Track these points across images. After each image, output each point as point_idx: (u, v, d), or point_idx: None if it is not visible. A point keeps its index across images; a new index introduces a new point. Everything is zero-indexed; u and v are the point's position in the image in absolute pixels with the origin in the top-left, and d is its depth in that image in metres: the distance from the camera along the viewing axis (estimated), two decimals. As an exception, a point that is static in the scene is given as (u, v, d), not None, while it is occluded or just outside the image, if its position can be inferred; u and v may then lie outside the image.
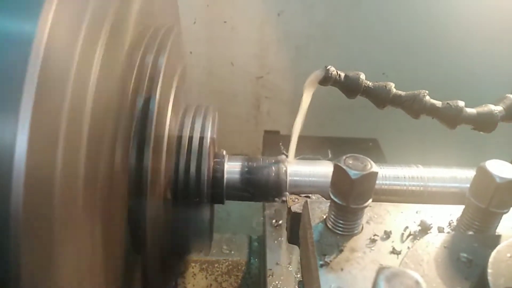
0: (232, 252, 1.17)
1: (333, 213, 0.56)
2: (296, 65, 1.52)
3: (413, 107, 0.73)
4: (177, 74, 0.79)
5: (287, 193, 0.77)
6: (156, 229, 0.68)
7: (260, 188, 0.79)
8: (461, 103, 0.73)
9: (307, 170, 0.79)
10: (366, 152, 0.90)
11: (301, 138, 0.81)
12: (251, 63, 1.52)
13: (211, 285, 1.13)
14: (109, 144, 0.55)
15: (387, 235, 0.57)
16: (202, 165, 0.75)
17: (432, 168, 0.79)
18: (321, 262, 0.52)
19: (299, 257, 0.68)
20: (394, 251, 0.54)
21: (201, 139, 0.77)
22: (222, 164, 0.80)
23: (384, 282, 0.35)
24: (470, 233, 0.57)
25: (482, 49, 1.45)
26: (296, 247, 0.70)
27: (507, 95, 0.76)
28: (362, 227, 0.58)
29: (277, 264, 0.98)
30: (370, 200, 0.55)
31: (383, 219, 0.60)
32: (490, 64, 1.47)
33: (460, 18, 1.40)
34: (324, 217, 0.59)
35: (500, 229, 0.57)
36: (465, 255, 0.51)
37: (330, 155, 1.20)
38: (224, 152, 0.83)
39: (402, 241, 0.56)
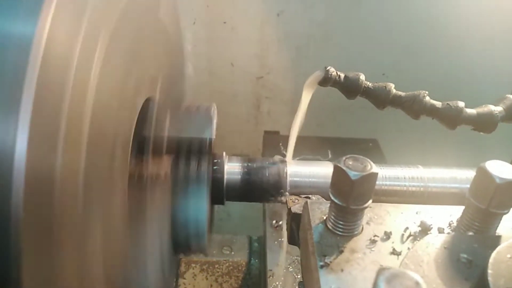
0: (233, 252, 1.17)
1: (333, 214, 0.56)
2: (296, 65, 1.52)
3: (413, 107, 0.73)
4: (177, 74, 0.79)
5: (287, 193, 0.77)
6: (156, 229, 0.68)
7: (260, 189, 0.79)
8: (461, 104, 0.73)
9: (307, 170, 0.79)
10: (366, 152, 0.91)
11: (301, 138, 0.81)
12: (251, 63, 1.52)
13: (211, 285, 1.13)
14: (109, 145, 0.55)
15: (387, 236, 0.57)
16: (202, 165, 0.75)
17: (432, 168, 0.79)
18: (321, 263, 0.52)
19: (299, 258, 0.68)
20: (394, 252, 0.54)
21: (201, 139, 0.77)
22: (222, 165, 0.80)
23: (384, 283, 0.35)
24: (470, 233, 0.57)
25: (482, 50, 1.45)
26: (296, 248, 0.70)
27: (507, 95, 0.76)
28: (362, 228, 0.58)
29: (277, 264, 0.98)
30: (370, 201, 0.55)
31: (383, 220, 0.60)
32: (490, 64, 1.47)
33: (460, 19, 1.40)
34: (324, 218, 0.59)
35: (500, 230, 0.57)
36: (465, 256, 0.51)
37: (330, 156, 1.20)
38: (224, 153, 0.83)
39: (402, 242, 0.56)
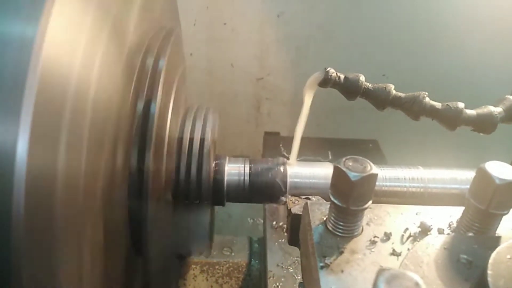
0: (233, 254, 1.17)
1: (333, 214, 0.56)
2: (296, 66, 1.52)
3: (413, 108, 0.73)
4: (178, 76, 0.79)
5: (288, 194, 0.77)
6: (157, 231, 0.68)
7: (260, 190, 0.79)
8: (461, 105, 0.73)
9: (307, 172, 0.79)
10: (366, 153, 0.91)
11: (301, 139, 0.81)
12: (251, 65, 1.53)
13: (211, 286, 1.13)
14: (110, 146, 0.55)
15: (387, 236, 0.57)
16: (203, 167, 0.75)
17: (432, 169, 0.79)
18: (321, 264, 0.52)
19: (299, 259, 0.68)
20: (394, 253, 0.54)
21: (202, 140, 0.77)
22: (222, 166, 0.80)
23: (384, 283, 0.35)
24: (470, 234, 0.57)
25: (482, 51, 1.45)
26: (296, 249, 0.70)
27: (506, 96, 0.76)
28: (362, 229, 0.58)
29: (277, 265, 0.98)
30: (370, 202, 0.55)
31: (383, 221, 0.60)
32: (489, 65, 1.47)
33: (460, 20, 1.41)
34: (324, 218, 0.59)
35: (500, 231, 0.57)
36: (465, 256, 0.51)
37: (330, 157, 1.20)
38: (225, 154, 0.83)
39: (402, 243, 0.56)
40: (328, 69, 0.73)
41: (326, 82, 0.73)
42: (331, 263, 0.52)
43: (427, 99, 0.73)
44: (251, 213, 1.50)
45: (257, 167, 0.80)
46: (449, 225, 0.60)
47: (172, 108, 0.72)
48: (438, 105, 0.73)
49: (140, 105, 0.64)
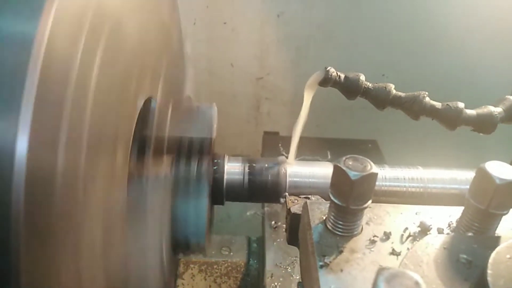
0: (231, 253, 1.17)
1: (332, 214, 0.56)
2: (296, 66, 1.52)
3: (413, 108, 0.73)
4: (178, 75, 0.79)
5: (287, 194, 0.77)
6: (155, 228, 0.68)
7: (259, 189, 0.79)
8: (461, 105, 0.73)
9: (307, 171, 0.79)
10: (366, 153, 0.90)
11: (300, 139, 0.81)
12: (251, 64, 1.52)
13: (210, 286, 1.13)
14: (110, 144, 0.55)
15: (387, 236, 0.57)
16: (202, 165, 0.75)
17: (432, 169, 0.79)
18: (320, 263, 0.52)
19: (298, 258, 0.68)
20: (393, 252, 0.54)
21: (201, 140, 0.77)
22: (222, 165, 0.80)
23: (383, 283, 0.35)
24: (470, 234, 0.57)
25: (482, 51, 1.45)
26: (295, 248, 0.70)
27: (506, 96, 0.76)
28: (362, 228, 0.58)
29: (276, 265, 0.98)
30: (370, 201, 0.55)
31: (382, 220, 0.60)
32: (490, 65, 1.47)
33: (460, 19, 1.41)
34: (324, 218, 0.59)
35: (500, 230, 0.57)
36: (464, 256, 0.51)
37: (329, 156, 1.20)
38: (224, 153, 0.83)
39: (402, 242, 0.56)
40: (328, 68, 0.73)
41: (326, 81, 0.73)
42: (330, 262, 0.52)
43: (427, 98, 0.73)
44: (250, 212, 1.50)
45: (256, 166, 0.80)
46: (449, 225, 0.60)
47: (172, 107, 0.72)
48: (438, 104, 0.73)
49: (140, 103, 0.64)
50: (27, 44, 0.38)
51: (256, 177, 0.79)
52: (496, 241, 0.52)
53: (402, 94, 0.73)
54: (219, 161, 0.80)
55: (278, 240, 1.04)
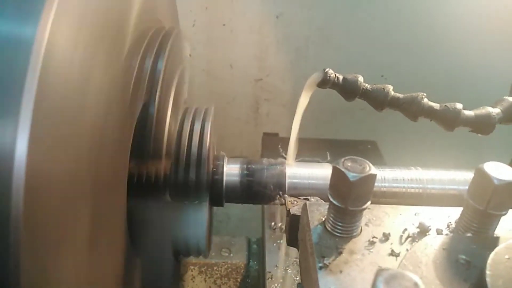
0: (231, 254, 1.17)
1: (332, 215, 0.56)
2: (295, 67, 1.52)
3: (411, 109, 0.73)
4: (177, 77, 0.79)
5: (286, 195, 0.77)
6: (155, 231, 0.68)
7: (259, 191, 0.79)
8: (459, 105, 0.73)
9: (306, 172, 0.79)
10: (365, 154, 0.91)
11: (299, 140, 0.81)
12: (250, 65, 1.53)
13: (210, 287, 1.12)
14: (109, 147, 0.55)
15: (386, 237, 0.57)
16: (201, 167, 0.75)
17: (431, 170, 0.79)
18: (320, 264, 0.52)
19: (298, 260, 0.68)
20: (392, 253, 0.54)
21: (200, 141, 0.77)
22: (221, 167, 0.80)
23: (383, 284, 0.35)
24: (469, 235, 0.57)
25: (481, 52, 1.46)
26: (295, 250, 0.70)
27: (505, 97, 0.76)
28: (361, 229, 0.58)
29: (276, 266, 0.98)
30: (369, 202, 0.55)
31: (381, 221, 0.60)
32: (488, 66, 1.47)
33: (458, 20, 1.41)
34: (323, 219, 0.59)
35: (499, 231, 0.57)
36: (463, 257, 0.52)
37: (329, 157, 1.20)
38: (223, 155, 0.83)
39: (401, 243, 0.56)
40: (327, 69, 0.73)
41: (325, 82, 0.73)
42: (329, 263, 0.52)
43: (425, 100, 0.73)
44: (250, 213, 1.50)
45: (256, 167, 0.80)
46: (448, 226, 0.60)
47: (171, 109, 0.72)
48: (436, 106, 0.73)
49: (139, 106, 0.64)
50: (27, 46, 0.38)
51: (256, 178, 0.79)
52: (495, 241, 0.52)
53: (401, 95, 0.74)
54: (218, 162, 0.80)
55: (278, 241, 1.05)
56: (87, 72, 0.47)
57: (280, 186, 0.78)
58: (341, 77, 0.73)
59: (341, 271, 0.51)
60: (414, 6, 1.40)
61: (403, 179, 0.77)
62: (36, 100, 0.38)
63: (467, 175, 0.78)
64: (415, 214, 0.62)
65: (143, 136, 0.63)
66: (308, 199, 0.74)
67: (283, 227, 1.04)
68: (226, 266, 1.14)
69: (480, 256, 0.50)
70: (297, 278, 0.94)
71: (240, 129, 1.65)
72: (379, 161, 1.23)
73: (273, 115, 1.63)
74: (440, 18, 1.41)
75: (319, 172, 0.79)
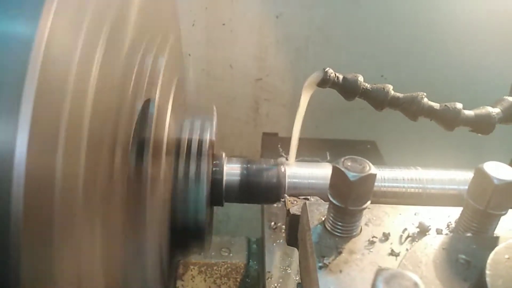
0: (231, 254, 1.17)
1: (331, 215, 0.56)
2: (295, 67, 1.52)
3: (411, 109, 0.73)
4: (176, 77, 0.79)
5: (286, 195, 0.77)
6: (155, 231, 0.68)
7: (259, 190, 0.79)
8: (459, 105, 0.73)
9: (306, 172, 0.79)
10: (365, 154, 0.91)
11: (299, 140, 0.81)
12: (250, 66, 1.53)
13: (210, 287, 1.12)
14: (109, 146, 0.55)
15: (386, 237, 0.57)
16: (201, 167, 0.75)
17: (431, 170, 0.79)
18: (320, 264, 0.52)
19: (297, 259, 0.68)
20: (392, 253, 0.54)
21: (200, 141, 0.77)
22: (221, 166, 0.80)
23: (382, 283, 0.35)
24: (469, 234, 0.57)
25: (481, 52, 1.46)
26: (294, 249, 0.70)
27: (505, 97, 0.76)
28: (361, 229, 0.58)
29: (276, 266, 0.98)
30: (369, 202, 0.55)
31: (381, 221, 0.60)
32: (488, 66, 1.47)
33: (458, 20, 1.41)
34: (323, 219, 0.59)
35: (498, 231, 0.58)
36: (463, 256, 0.52)
37: (328, 157, 1.20)
38: (224, 154, 0.83)
39: (401, 243, 0.56)
40: (326, 69, 0.73)
41: (324, 82, 0.73)
42: (329, 263, 0.52)
43: (425, 99, 0.73)
44: (249, 213, 1.50)
45: (256, 167, 0.80)
46: (448, 226, 0.60)
47: (171, 109, 0.72)
48: (436, 105, 0.73)
49: (139, 105, 0.64)
50: (26, 45, 0.38)
51: (256, 178, 0.79)
52: (494, 241, 0.52)
53: (400, 95, 0.74)
54: (218, 162, 0.80)
55: (278, 241, 1.05)
56: (86, 72, 0.47)
57: (280, 186, 0.78)
58: (341, 77, 0.73)
59: (341, 271, 0.51)
60: (414, 6, 1.40)
61: (403, 179, 0.77)
62: (36, 100, 0.38)
63: (467, 175, 0.78)
64: (415, 214, 0.62)
65: (143, 135, 0.63)
66: (308, 199, 0.74)
67: (283, 226, 1.04)
68: (226, 266, 1.14)
69: (480, 256, 0.50)
70: (297, 278, 0.94)
71: (240, 129, 1.65)
72: (379, 161, 1.23)
73: (273, 115, 1.63)
74: (440, 18, 1.41)
75: (319, 172, 0.79)
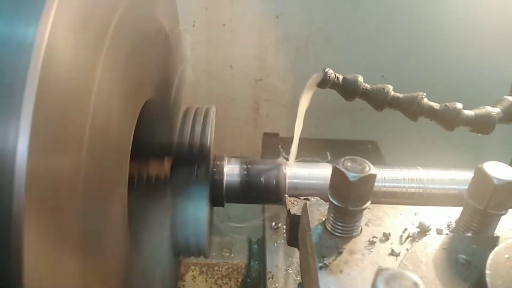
0: (232, 255, 1.17)
1: (332, 215, 0.57)
2: (295, 68, 1.52)
3: (411, 109, 0.73)
4: (177, 77, 0.79)
5: (287, 195, 0.77)
6: (155, 230, 0.68)
7: (259, 191, 0.79)
8: (459, 105, 0.73)
9: (306, 172, 0.79)
10: (365, 154, 0.91)
11: (299, 140, 0.81)
12: (250, 66, 1.53)
13: (211, 287, 1.13)
14: (110, 147, 0.55)
15: (386, 237, 0.57)
16: (202, 167, 0.75)
17: (431, 170, 0.79)
18: (320, 264, 0.52)
19: (298, 260, 0.68)
20: (393, 253, 0.55)
21: (201, 141, 0.77)
22: (221, 167, 0.80)
23: (383, 283, 0.35)
24: (469, 234, 0.57)
25: (481, 52, 1.45)
26: (295, 250, 0.70)
27: (504, 97, 0.76)
28: (361, 229, 0.58)
29: (277, 266, 0.98)
30: (369, 202, 0.55)
31: (381, 221, 0.60)
32: (488, 66, 1.47)
33: (458, 20, 1.41)
34: (323, 219, 0.59)
35: (498, 231, 0.58)
36: (463, 256, 0.52)
37: (329, 157, 1.20)
38: (224, 155, 0.83)
39: (401, 243, 0.56)
40: (326, 70, 0.73)
41: (324, 82, 0.73)
42: (330, 263, 0.52)
43: (425, 99, 0.73)
44: (250, 214, 1.50)
45: (256, 168, 0.80)
46: (448, 226, 0.60)
47: (171, 109, 0.72)
48: (436, 105, 0.73)
49: (140, 106, 0.64)
50: (27, 46, 0.39)
51: (256, 178, 0.79)
52: (495, 241, 0.52)
53: (401, 95, 0.74)
54: (218, 163, 0.80)
55: (279, 241, 1.05)
56: (87, 72, 0.47)
57: (280, 186, 0.78)
58: (341, 77, 0.73)
59: (341, 271, 0.51)
60: (414, 6, 1.40)
61: (403, 179, 0.77)
62: (37, 101, 0.38)
63: (467, 175, 0.78)
64: (415, 214, 0.62)
65: (144, 135, 0.63)
66: (308, 199, 0.74)
67: (284, 227, 1.04)
68: (227, 266, 1.15)
69: (480, 256, 0.50)
70: (298, 278, 0.95)
71: (240, 130, 1.65)
72: (379, 161, 1.23)
73: (273, 115, 1.63)
74: (440, 18, 1.41)
75: (319, 172, 0.79)
